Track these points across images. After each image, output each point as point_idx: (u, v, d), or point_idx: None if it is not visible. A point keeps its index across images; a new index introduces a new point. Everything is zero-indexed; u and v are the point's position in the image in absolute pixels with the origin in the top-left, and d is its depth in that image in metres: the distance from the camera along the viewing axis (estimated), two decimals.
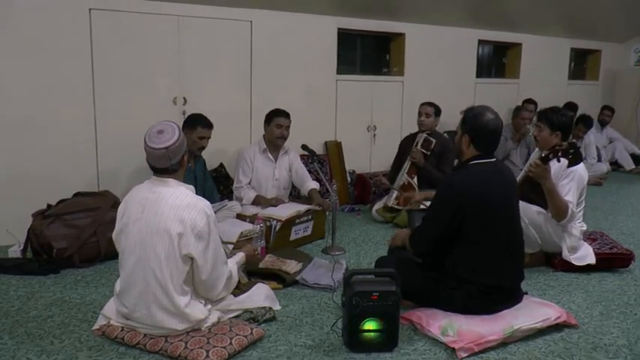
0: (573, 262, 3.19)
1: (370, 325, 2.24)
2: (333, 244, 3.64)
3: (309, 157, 4.06)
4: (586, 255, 3.24)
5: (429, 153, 4.33)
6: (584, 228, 3.33)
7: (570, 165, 3.03)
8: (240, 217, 3.68)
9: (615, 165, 6.98)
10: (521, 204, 2.70)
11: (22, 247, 3.33)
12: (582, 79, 7.79)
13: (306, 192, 4.05)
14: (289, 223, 3.61)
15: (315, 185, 4.05)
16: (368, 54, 5.66)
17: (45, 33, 3.57)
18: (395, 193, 4.34)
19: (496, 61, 6.80)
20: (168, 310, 2.20)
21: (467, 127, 2.50)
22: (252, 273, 2.96)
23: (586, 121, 6.12)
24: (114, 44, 3.82)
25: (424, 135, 4.39)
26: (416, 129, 4.52)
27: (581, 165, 3.18)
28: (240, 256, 2.63)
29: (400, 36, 5.50)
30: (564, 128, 3.21)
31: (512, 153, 5.57)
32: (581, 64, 7.88)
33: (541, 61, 6.75)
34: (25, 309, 2.66)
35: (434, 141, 4.33)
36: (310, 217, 3.76)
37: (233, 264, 2.48)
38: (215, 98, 4.25)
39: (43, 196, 3.42)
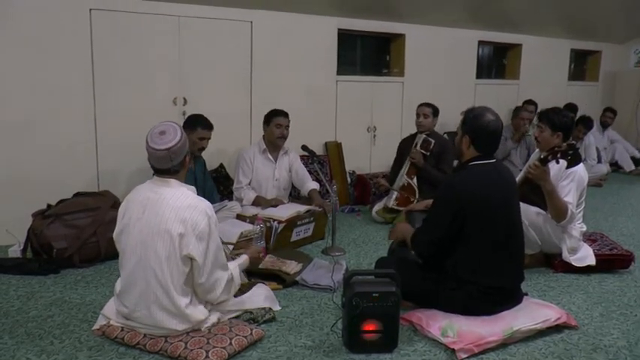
0: (573, 263, 3.19)
1: (370, 325, 2.23)
2: (333, 244, 3.64)
3: (309, 157, 4.06)
4: (586, 256, 3.24)
5: (428, 153, 4.33)
6: (584, 229, 3.33)
7: (569, 166, 3.04)
8: (240, 217, 3.69)
9: (615, 166, 6.98)
10: (521, 205, 2.70)
11: (22, 247, 3.33)
12: (582, 80, 7.79)
13: (306, 192, 4.05)
14: (291, 224, 3.61)
15: (315, 186, 4.05)
16: (368, 55, 5.66)
17: (45, 33, 3.57)
18: (395, 194, 4.33)
19: (496, 62, 6.80)
20: (168, 310, 2.20)
21: (467, 128, 2.50)
22: (252, 273, 2.95)
23: (586, 122, 6.12)
24: (114, 44, 3.82)
25: (423, 136, 4.40)
26: (416, 130, 4.53)
27: (581, 166, 3.19)
28: (243, 258, 2.61)
29: (400, 37, 5.50)
30: (565, 129, 3.21)
31: (512, 153, 5.57)
32: (581, 65, 7.87)
33: (541, 62, 6.75)
34: (25, 309, 2.66)
35: (433, 141, 4.33)
36: (312, 218, 3.76)
37: (235, 267, 2.46)
38: (215, 99, 4.25)
39: (43, 196, 3.42)
